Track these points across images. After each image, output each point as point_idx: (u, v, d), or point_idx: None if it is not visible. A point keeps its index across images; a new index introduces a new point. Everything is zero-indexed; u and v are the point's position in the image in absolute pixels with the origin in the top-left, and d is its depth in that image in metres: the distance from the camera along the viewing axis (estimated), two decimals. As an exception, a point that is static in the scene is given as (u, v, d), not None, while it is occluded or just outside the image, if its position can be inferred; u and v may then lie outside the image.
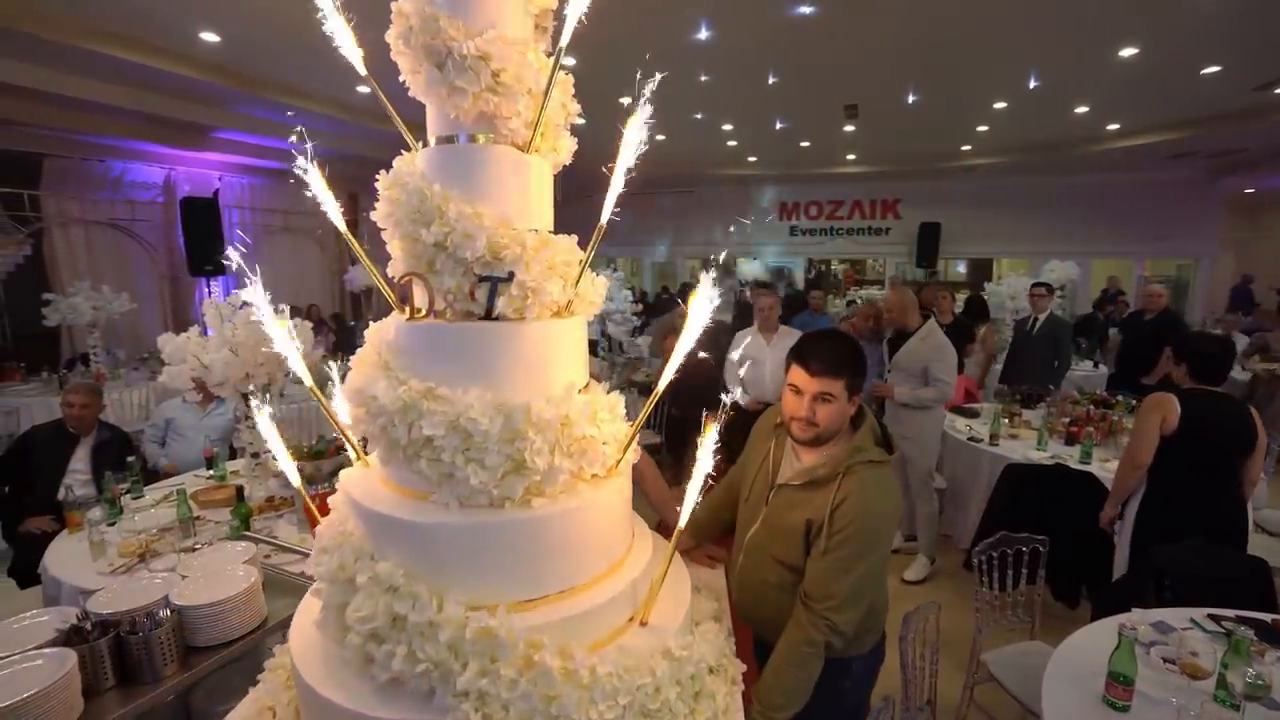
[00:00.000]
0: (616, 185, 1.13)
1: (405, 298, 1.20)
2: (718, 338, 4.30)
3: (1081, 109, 7.04)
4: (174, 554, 2.23)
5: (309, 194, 1.15)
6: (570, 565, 1.17)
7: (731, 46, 5.09)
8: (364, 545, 1.14)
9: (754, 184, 12.63)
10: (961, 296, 8.25)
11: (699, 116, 7.55)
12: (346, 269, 9.41)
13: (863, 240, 12.85)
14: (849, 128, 7.85)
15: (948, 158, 10.12)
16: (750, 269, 13.21)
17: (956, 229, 11.74)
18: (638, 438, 1.29)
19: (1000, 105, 6.96)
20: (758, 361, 4.02)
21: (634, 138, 1.07)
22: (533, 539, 1.13)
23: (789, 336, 3.90)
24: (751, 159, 10.89)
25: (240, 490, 2.60)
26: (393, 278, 1.21)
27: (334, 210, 1.20)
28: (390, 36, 1.18)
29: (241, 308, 2.78)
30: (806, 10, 4.39)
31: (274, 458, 1.24)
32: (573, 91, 1.26)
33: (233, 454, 3.45)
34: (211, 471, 3.04)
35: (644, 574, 1.28)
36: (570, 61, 1.15)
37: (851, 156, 10.53)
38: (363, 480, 1.24)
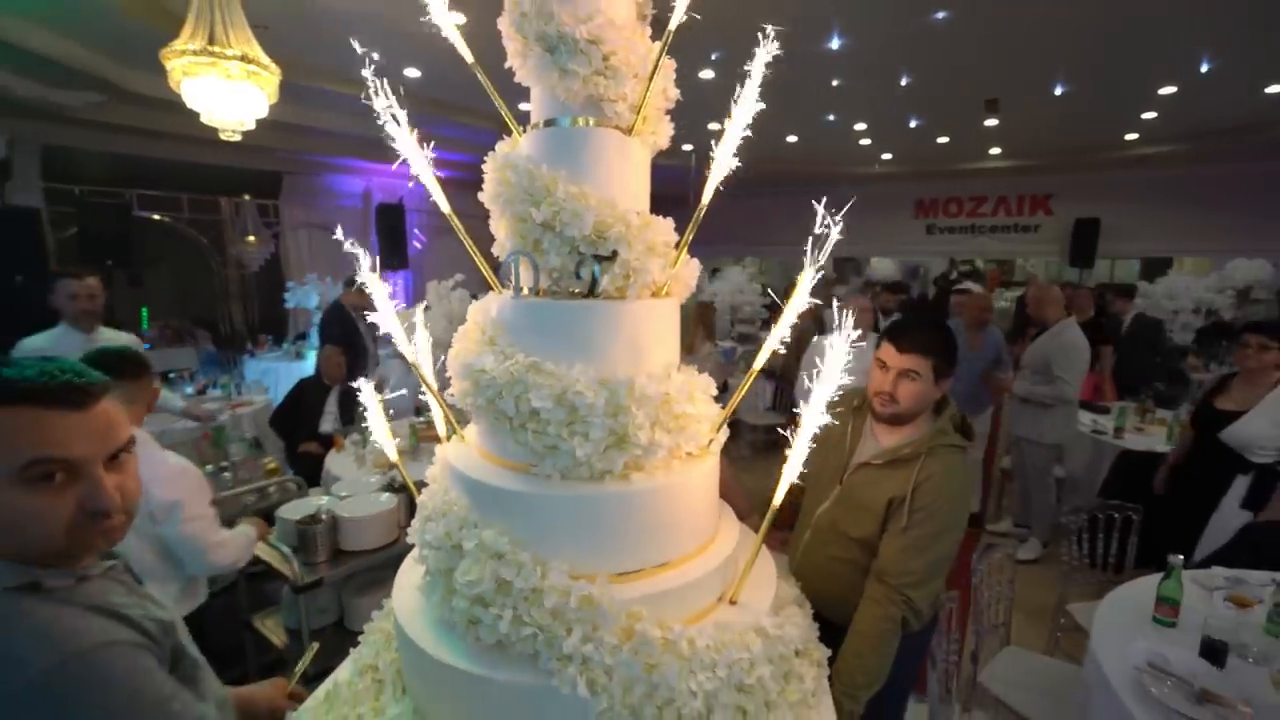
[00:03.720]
0: (719, 170, 1.15)
1: (503, 278, 1.24)
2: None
3: (1275, 88, 6.24)
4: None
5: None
6: (665, 540, 1.20)
7: (864, 51, 5.04)
8: (468, 514, 1.18)
9: (887, 182, 11.81)
10: (1139, 301, 7.82)
11: (831, 118, 7.40)
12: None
13: (1008, 238, 11.70)
14: (991, 122, 7.39)
15: (1108, 148, 9.17)
16: (883, 268, 12.86)
17: (1119, 225, 10.39)
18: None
19: (1168, 90, 6.35)
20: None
21: (741, 120, 1.09)
22: (631, 512, 1.15)
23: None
24: (885, 156, 10.38)
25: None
26: (497, 258, 1.25)
27: (439, 195, 1.25)
28: (502, 23, 1.22)
29: (454, 289, 3.45)
30: (941, 15, 4.32)
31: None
32: (674, 77, 1.28)
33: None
34: (421, 418, 3.72)
35: (733, 553, 1.29)
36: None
37: (995, 151, 9.81)
38: (462, 452, 1.29)
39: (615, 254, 1.15)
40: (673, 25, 1.15)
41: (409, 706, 1.19)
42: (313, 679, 1.36)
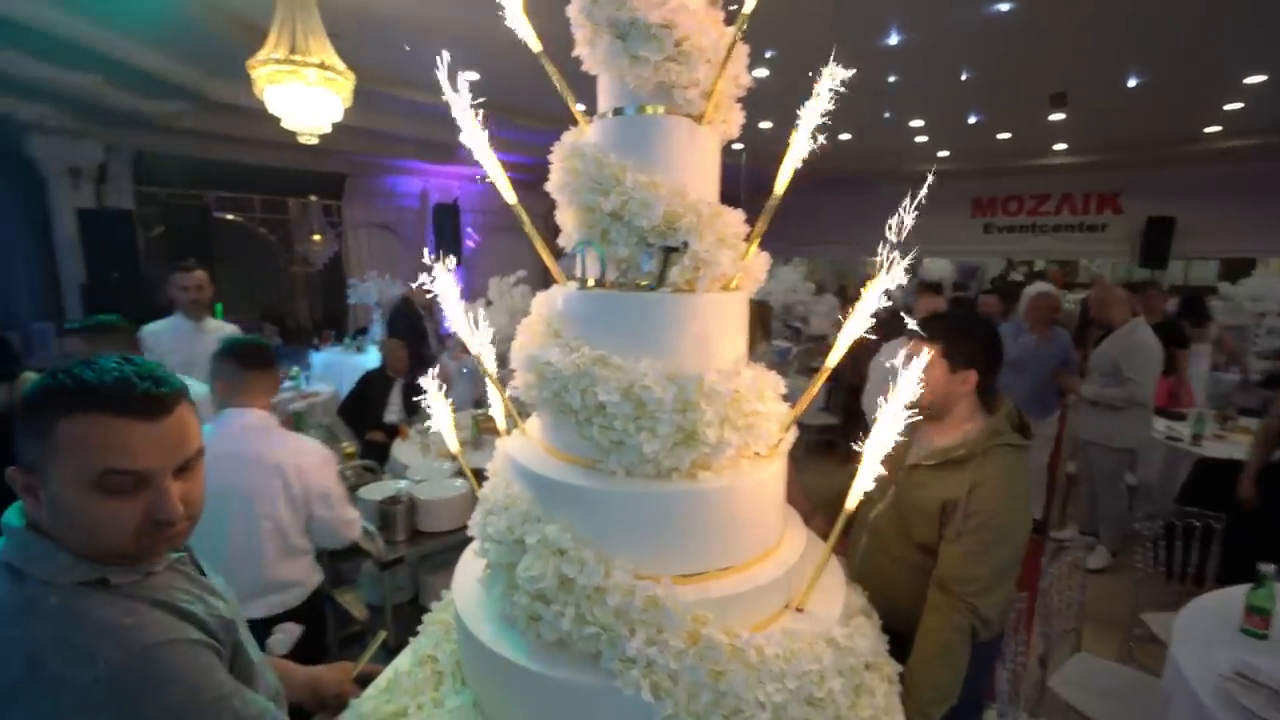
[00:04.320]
0: (792, 160, 1.10)
1: (568, 270, 1.22)
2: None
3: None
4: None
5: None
6: (731, 543, 1.15)
7: (922, 47, 4.88)
8: (531, 509, 1.16)
9: (943, 179, 11.63)
10: (1218, 303, 7.19)
11: (887, 115, 7.22)
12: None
13: (1073, 238, 11.10)
14: (1056, 116, 7.04)
15: (1186, 142, 8.52)
16: (938, 268, 12.51)
17: (1196, 224, 9.65)
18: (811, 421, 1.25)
19: (1256, 79, 5.89)
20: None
21: (811, 119, 1.04)
22: (698, 512, 1.11)
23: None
24: (942, 154, 10.09)
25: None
26: (563, 249, 1.23)
27: (505, 188, 1.24)
28: (571, 10, 1.20)
29: (516, 285, 3.60)
30: (1004, 8, 4.14)
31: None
32: (746, 63, 1.23)
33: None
34: (481, 410, 3.83)
35: (800, 560, 1.24)
36: (762, 73, 1.14)
37: (1060, 146, 9.35)
38: (524, 446, 1.28)
39: (685, 245, 1.12)
40: (747, 8, 1.11)
41: (469, 698, 1.18)
42: (393, 650, 1.39)
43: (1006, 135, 8.44)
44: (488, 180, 1.20)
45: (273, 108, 3.13)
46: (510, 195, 1.25)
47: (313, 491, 1.92)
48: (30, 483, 0.77)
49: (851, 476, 1.13)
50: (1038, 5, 4.13)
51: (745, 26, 1.12)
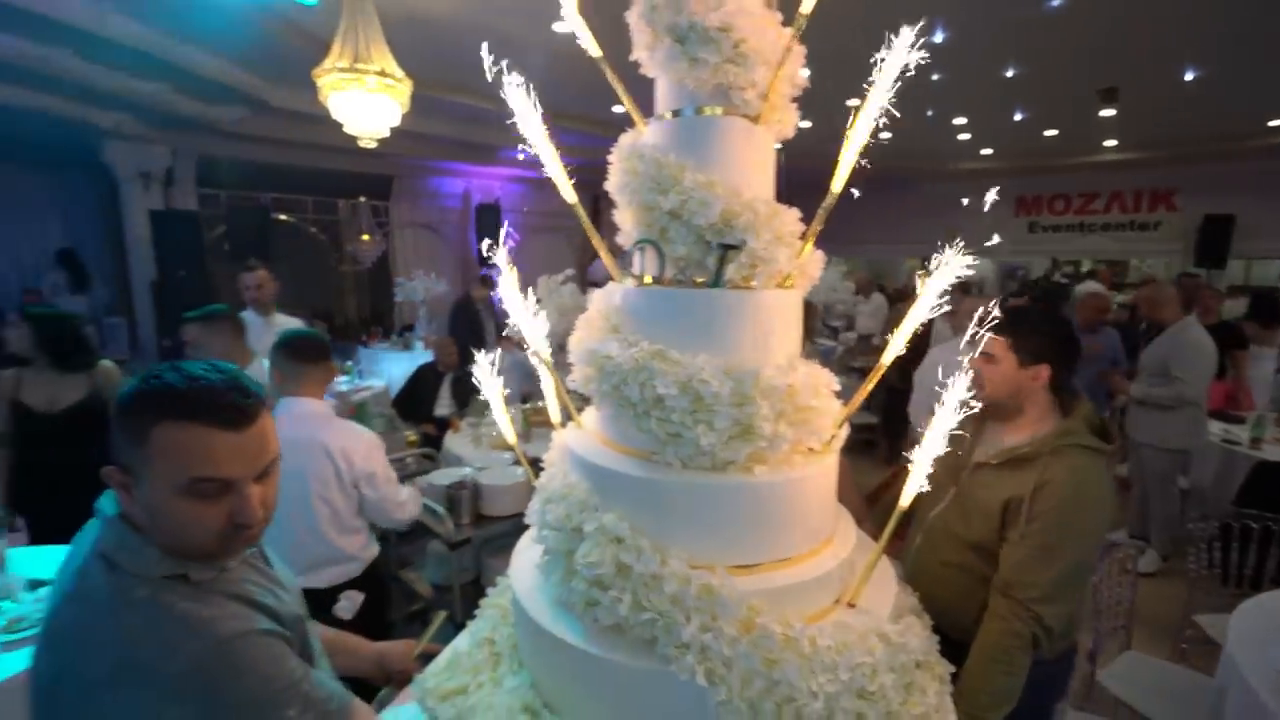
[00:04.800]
0: (848, 159, 1.11)
1: (625, 266, 1.26)
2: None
3: None
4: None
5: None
6: (785, 535, 1.17)
7: (968, 45, 4.82)
8: (588, 498, 1.20)
9: (986, 177, 10.98)
10: None
11: (929, 113, 7.11)
12: (591, 261, 10.65)
13: (1124, 237, 10.69)
14: (1107, 112, 6.81)
15: (1247, 136, 8.19)
16: (978, 268, 12.20)
17: (1258, 222, 9.20)
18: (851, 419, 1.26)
19: None
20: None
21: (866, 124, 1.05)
22: (753, 504, 1.14)
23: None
24: (985, 151, 9.87)
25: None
26: (622, 247, 1.27)
27: (565, 185, 1.29)
28: (631, 16, 1.23)
29: (564, 284, 3.79)
30: (1055, 3, 4.05)
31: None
32: (803, 63, 1.25)
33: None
34: (529, 404, 3.97)
35: (851, 555, 1.25)
36: (804, 73, 1.16)
37: (1111, 143, 9.07)
38: (581, 438, 1.32)
39: (743, 243, 1.14)
40: (805, 8, 1.12)
41: (527, 679, 1.23)
42: (459, 625, 1.46)
43: (1053, 132, 8.15)
44: (545, 175, 1.25)
45: (336, 114, 3.29)
46: (570, 194, 1.30)
47: (359, 473, 2.07)
48: (125, 481, 0.83)
49: (901, 477, 1.13)
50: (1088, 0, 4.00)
51: (803, 27, 1.13)
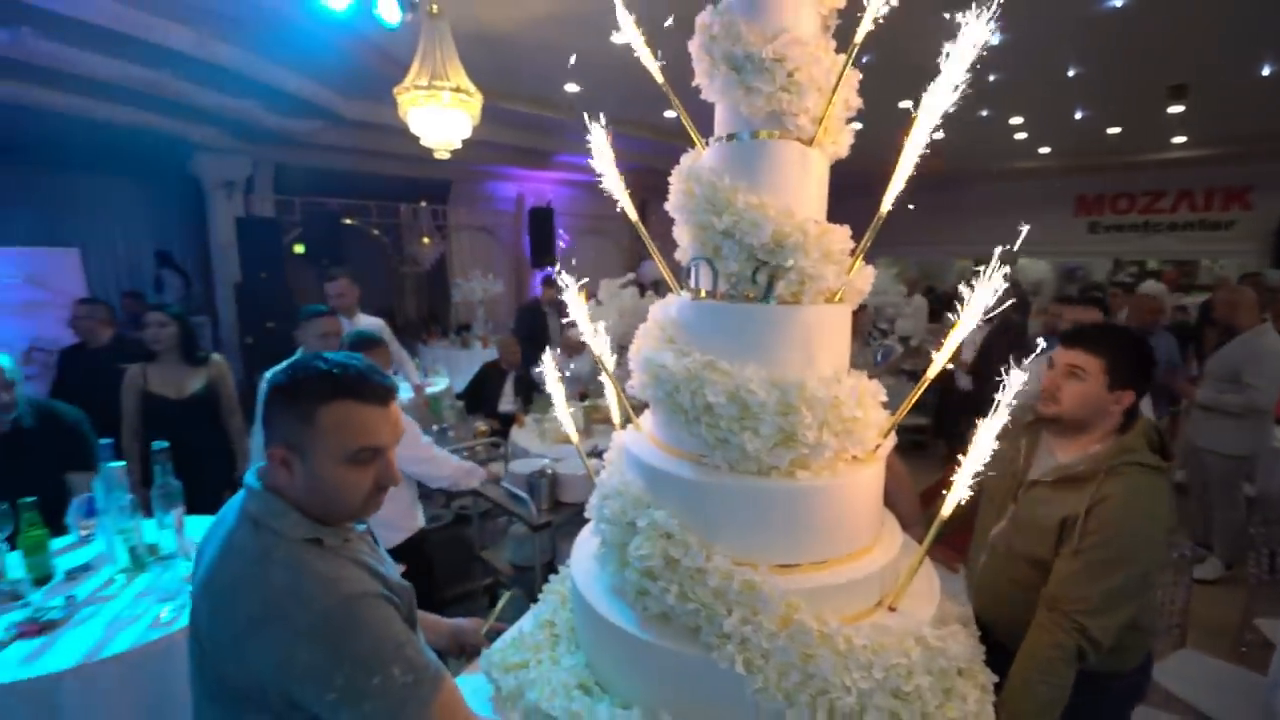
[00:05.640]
0: (899, 178, 1.16)
1: (684, 280, 1.35)
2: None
3: None
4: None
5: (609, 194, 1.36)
6: (826, 538, 1.23)
7: (1028, 46, 4.74)
8: (642, 495, 1.29)
9: (1044, 176, 10.74)
10: None
11: (985, 113, 7.00)
12: (639, 263, 10.81)
13: (1192, 237, 10.23)
14: (1175, 109, 6.54)
15: None
16: (1036, 270, 11.70)
17: None
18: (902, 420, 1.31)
19: None
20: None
21: (920, 140, 1.10)
22: (795, 507, 1.20)
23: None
24: (1043, 150, 9.57)
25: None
26: (679, 262, 1.36)
27: (626, 201, 1.39)
28: (692, 46, 1.32)
29: (624, 287, 4.03)
30: (1118, 3, 3.96)
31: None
32: (857, 87, 1.31)
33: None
34: (587, 401, 4.19)
35: (893, 561, 1.30)
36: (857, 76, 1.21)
37: (1179, 140, 8.64)
38: (637, 440, 1.41)
39: (792, 262, 1.21)
40: (858, 38, 1.19)
41: (582, 659, 1.33)
42: (535, 601, 1.59)
43: (1116, 130, 7.77)
44: (594, 179, 1.35)
45: (414, 127, 3.57)
46: (632, 212, 1.40)
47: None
48: (289, 458, 0.97)
49: (946, 484, 1.17)
50: (1154, -1, 3.85)
51: (855, 56, 1.20)
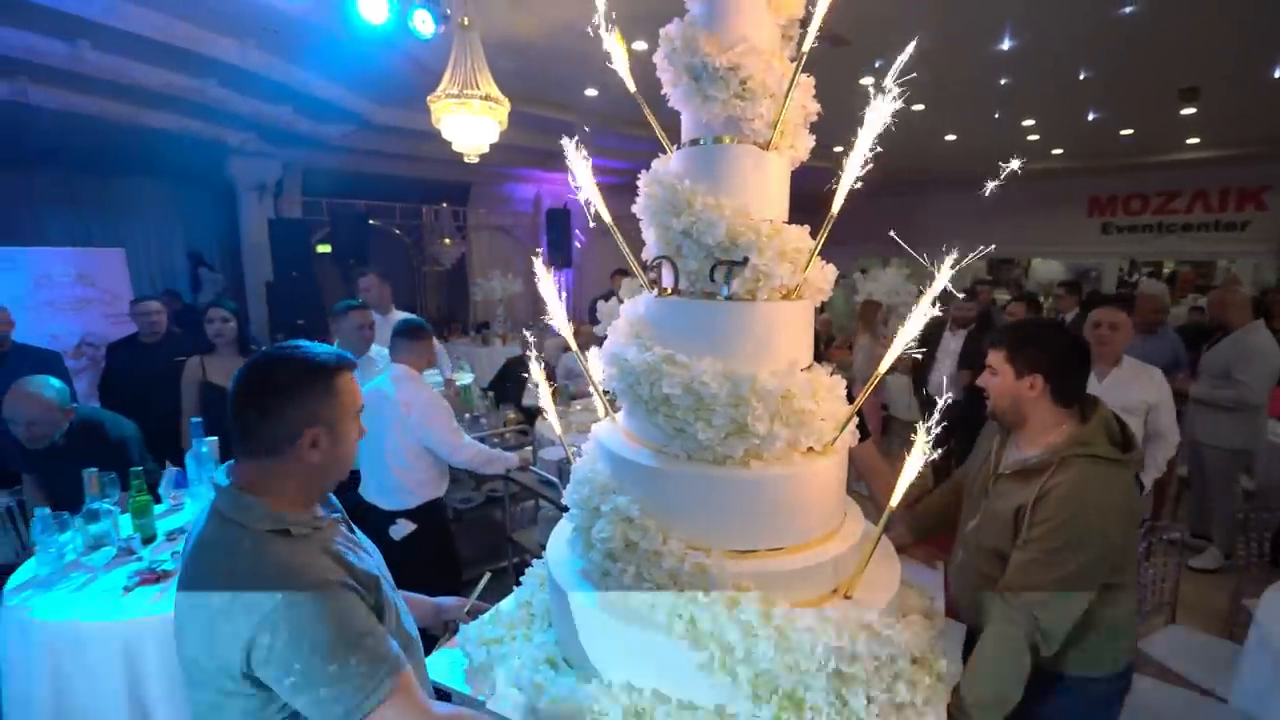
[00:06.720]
0: (848, 178, 1.21)
1: (654, 279, 1.41)
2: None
3: None
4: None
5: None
6: (779, 527, 1.29)
7: (1040, 51, 4.75)
8: (608, 483, 1.36)
9: (1056, 178, 10.50)
10: None
11: (997, 115, 6.96)
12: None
13: (1206, 237, 10.12)
14: (1188, 111, 6.53)
15: None
16: (1046, 270, 11.63)
17: None
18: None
19: None
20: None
21: (872, 128, 1.14)
22: (747, 496, 1.26)
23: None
24: (1056, 151, 9.44)
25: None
26: (646, 261, 1.43)
27: (598, 201, 1.45)
28: (657, 57, 1.39)
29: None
30: (1129, 10, 3.95)
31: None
32: (813, 93, 1.36)
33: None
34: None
35: (850, 551, 1.34)
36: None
37: (1193, 141, 8.54)
38: (610, 431, 1.49)
39: (746, 259, 1.27)
40: (805, 47, 1.24)
41: (553, 637, 1.41)
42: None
43: (1129, 131, 7.63)
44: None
45: (445, 133, 3.82)
46: (607, 216, 1.47)
47: (417, 421, 2.56)
48: (319, 435, 1.06)
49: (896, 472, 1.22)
50: (1166, 3, 3.84)
51: (803, 64, 1.25)
